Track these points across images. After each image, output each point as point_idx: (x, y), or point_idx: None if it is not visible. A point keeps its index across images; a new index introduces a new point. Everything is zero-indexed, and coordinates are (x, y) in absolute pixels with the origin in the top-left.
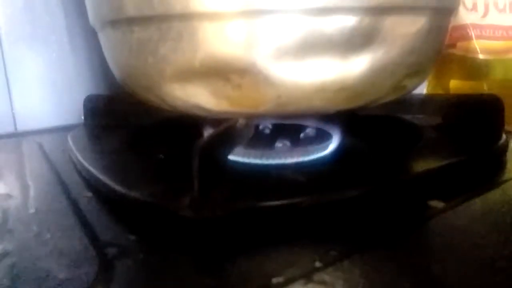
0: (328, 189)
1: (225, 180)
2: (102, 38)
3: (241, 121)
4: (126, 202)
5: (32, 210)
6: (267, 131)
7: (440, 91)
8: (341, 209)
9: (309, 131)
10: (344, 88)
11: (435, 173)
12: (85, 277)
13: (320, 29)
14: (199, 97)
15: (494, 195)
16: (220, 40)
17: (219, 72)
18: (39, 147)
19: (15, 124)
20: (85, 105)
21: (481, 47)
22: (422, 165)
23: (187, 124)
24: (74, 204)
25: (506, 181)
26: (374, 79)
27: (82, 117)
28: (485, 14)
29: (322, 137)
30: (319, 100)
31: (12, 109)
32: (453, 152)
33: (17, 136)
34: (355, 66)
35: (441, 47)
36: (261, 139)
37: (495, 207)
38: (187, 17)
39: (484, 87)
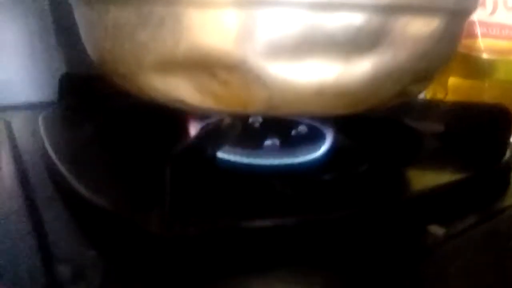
0: (317, 207)
1: (204, 187)
2: (78, 15)
3: (227, 120)
4: (89, 209)
5: None
6: (257, 125)
7: (438, 89)
8: (327, 232)
9: (301, 128)
10: (344, 93)
11: (436, 193)
12: None
13: (322, 26)
14: (182, 91)
15: (499, 223)
16: (207, 30)
17: (205, 66)
18: (7, 126)
19: None
20: (60, 83)
21: (485, 46)
22: (422, 182)
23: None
24: (32, 205)
25: (509, 206)
26: (378, 85)
27: None
28: (493, 12)
29: (314, 135)
30: (315, 104)
31: None
32: (455, 168)
33: None
34: (358, 70)
35: (453, 52)
36: (250, 135)
37: (500, 237)
38: (171, 1)
39: (485, 87)
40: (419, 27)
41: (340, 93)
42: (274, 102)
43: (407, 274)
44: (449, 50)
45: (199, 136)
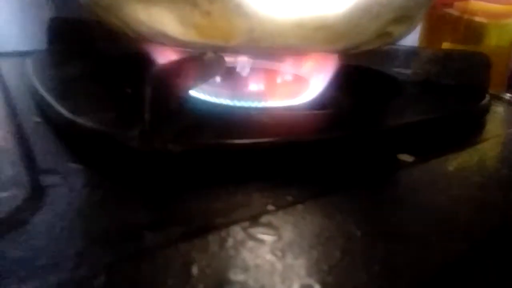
0: (293, 132)
1: (184, 114)
2: None
3: (210, 54)
4: (72, 128)
5: None
6: (245, 73)
7: None
8: (305, 154)
9: (287, 76)
10: (323, 27)
11: (409, 127)
12: (11, 201)
13: None
14: (165, 23)
15: (466, 155)
16: None
17: None
18: None
19: None
20: (49, 28)
21: (478, 9)
22: (396, 118)
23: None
24: (19, 127)
25: (481, 142)
26: (357, 20)
27: None
28: None
29: (299, 84)
30: (295, 38)
31: None
32: (431, 109)
33: None
34: (337, 3)
35: None
36: (236, 80)
37: (465, 167)
38: None
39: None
40: None
41: (320, 26)
42: (255, 34)
43: (372, 192)
44: None
45: (180, 61)
